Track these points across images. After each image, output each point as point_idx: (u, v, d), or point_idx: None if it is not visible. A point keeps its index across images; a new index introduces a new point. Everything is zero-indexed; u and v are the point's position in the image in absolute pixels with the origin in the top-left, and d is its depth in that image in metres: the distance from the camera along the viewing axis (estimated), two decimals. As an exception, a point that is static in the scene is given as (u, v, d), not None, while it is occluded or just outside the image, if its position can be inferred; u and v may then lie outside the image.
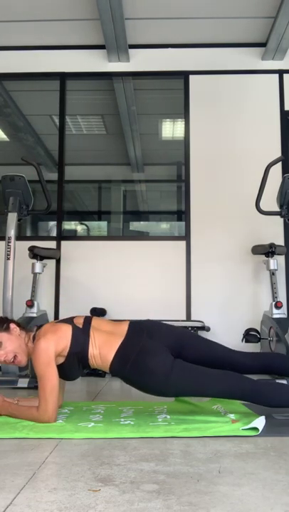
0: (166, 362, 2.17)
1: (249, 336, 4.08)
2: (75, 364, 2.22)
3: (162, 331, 2.36)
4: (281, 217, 3.79)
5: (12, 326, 2.28)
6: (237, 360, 2.36)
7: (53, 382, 2.12)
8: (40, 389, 2.12)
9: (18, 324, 2.33)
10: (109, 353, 2.19)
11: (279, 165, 4.39)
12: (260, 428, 1.98)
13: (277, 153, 4.59)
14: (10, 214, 3.71)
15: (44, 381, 2.11)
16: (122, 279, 4.59)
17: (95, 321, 2.32)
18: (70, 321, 2.31)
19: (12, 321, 2.34)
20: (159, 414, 2.31)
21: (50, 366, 2.12)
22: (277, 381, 2.88)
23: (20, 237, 4.15)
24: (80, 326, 2.25)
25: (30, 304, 3.97)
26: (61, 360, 2.19)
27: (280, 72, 4.83)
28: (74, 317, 2.34)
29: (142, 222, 6.66)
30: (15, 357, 2.22)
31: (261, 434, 1.93)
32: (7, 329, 2.25)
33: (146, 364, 2.16)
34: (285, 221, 4.31)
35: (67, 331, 2.21)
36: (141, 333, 2.28)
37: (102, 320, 2.42)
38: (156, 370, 2.15)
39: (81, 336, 2.21)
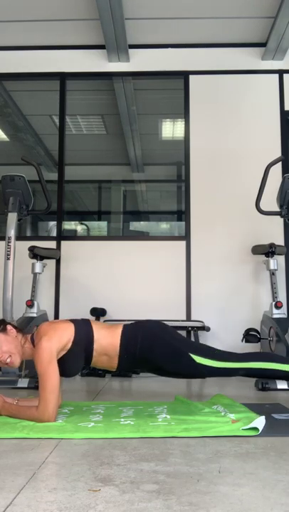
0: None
1: (249, 335, 4.07)
2: (78, 354, 2.25)
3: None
4: (281, 217, 3.79)
5: (9, 327, 2.30)
6: None
7: (53, 381, 2.12)
8: (41, 388, 2.13)
9: (14, 326, 2.35)
10: (116, 332, 2.32)
11: (279, 165, 4.39)
12: (260, 428, 1.98)
13: (277, 153, 4.59)
14: (10, 214, 3.71)
15: (45, 380, 2.12)
16: (122, 279, 4.59)
17: (92, 320, 2.43)
18: (66, 319, 2.39)
19: (9, 323, 2.36)
20: (159, 414, 2.31)
21: (51, 365, 2.14)
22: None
23: (20, 237, 4.15)
24: (79, 320, 2.37)
25: (30, 304, 3.97)
26: (65, 352, 2.23)
27: (280, 72, 4.83)
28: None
29: (142, 222, 6.66)
30: (10, 357, 2.23)
31: (261, 434, 1.94)
32: (4, 330, 2.27)
33: (158, 323, 2.41)
34: (285, 221, 4.31)
35: (67, 325, 2.28)
36: (137, 322, 2.47)
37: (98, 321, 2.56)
38: (167, 328, 2.41)
39: (83, 324, 2.32)
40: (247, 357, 2.44)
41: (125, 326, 2.36)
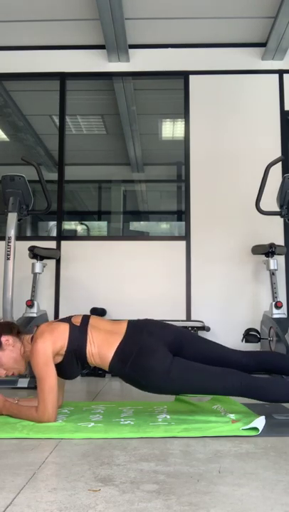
0: (166, 359, 2.19)
1: (249, 336, 4.08)
2: (73, 362, 2.22)
3: (161, 329, 2.37)
4: (281, 217, 3.79)
5: (3, 340, 2.21)
6: (234, 359, 2.37)
7: (51, 382, 2.12)
8: (39, 389, 2.13)
9: (10, 331, 2.26)
10: (109, 353, 2.20)
11: (279, 165, 4.39)
12: (260, 428, 1.98)
13: (277, 153, 4.59)
14: (10, 214, 3.71)
15: (42, 381, 2.12)
16: (122, 279, 4.58)
17: (93, 320, 2.32)
18: (67, 320, 2.31)
19: (3, 333, 2.24)
20: (159, 414, 2.31)
21: (47, 366, 2.13)
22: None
23: (20, 237, 4.15)
24: (78, 325, 2.26)
25: (30, 304, 3.97)
26: (60, 358, 2.20)
27: (280, 72, 4.83)
28: (72, 316, 2.34)
29: (141, 222, 6.66)
30: (12, 373, 2.24)
31: (261, 434, 1.93)
32: None
33: (146, 362, 2.17)
34: (285, 221, 4.31)
35: (64, 329, 2.22)
36: (140, 331, 2.29)
37: (101, 319, 2.43)
38: (156, 368, 2.16)
39: (78, 334, 2.22)
40: (239, 389, 2.19)
41: (122, 342, 2.21)
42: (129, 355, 2.18)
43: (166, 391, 2.26)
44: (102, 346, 2.21)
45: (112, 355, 2.19)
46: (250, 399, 2.23)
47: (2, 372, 2.22)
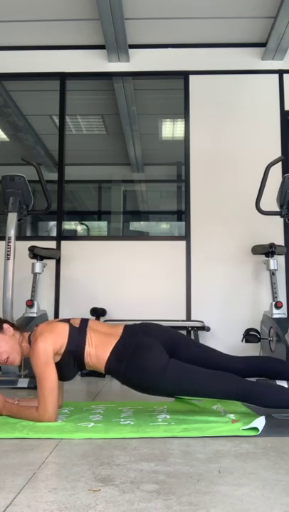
0: (162, 357, 2.20)
1: (249, 336, 4.07)
2: (70, 363, 2.23)
3: (157, 329, 2.40)
4: (281, 217, 3.79)
5: (5, 326, 2.29)
6: (231, 365, 2.37)
7: (51, 382, 2.12)
8: (39, 389, 2.12)
9: (12, 325, 2.34)
10: (105, 353, 2.21)
11: (279, 165, 4.39)
12: (260, 428, 1.98)
13: (277, 153, 4.59)
14: (10, 214, 3.71)
15: (43, 381, 2.12)
16: (122, 279, 4.58)
17: (92, 323, 2.36)
18: (66, 320, 2.34)
19: (6, 321, 2.35)
20: (159, 414, 2.31)
21: (48, 365, 2.13)
22: (278, 383, 2.87)
23: (20, 237, 4.15)
24: (77, 326, 2.28)
25: (30, 304, 3.97)
26: (57, 358, 2.20)
27: (280, 72, 4.83)
28: (70, 318, 2.37)
29: (141, 222, 6.67)
30: (8, 357, 2.23)
31: (261, 434, 1.93)
32: (0, 329, 2.27)
33: (142, 359, 2.18)
34: (285, 221, 4.31)
35: (64, 329, 2.24)
36: (136, 332, 2.33)
37: (99, 322, 2.49)
38: (152, 365, 2.17)
39: (78, 335, 2.24)
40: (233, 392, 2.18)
41: (119, 342, 2.23)
42: (124, 354, 2.20)
43: (161, 391, 2.25)
44: (99, 347, 2.22)
45: (109, 354, 2.20)
46: (245, 403, 2.22)
47: None
